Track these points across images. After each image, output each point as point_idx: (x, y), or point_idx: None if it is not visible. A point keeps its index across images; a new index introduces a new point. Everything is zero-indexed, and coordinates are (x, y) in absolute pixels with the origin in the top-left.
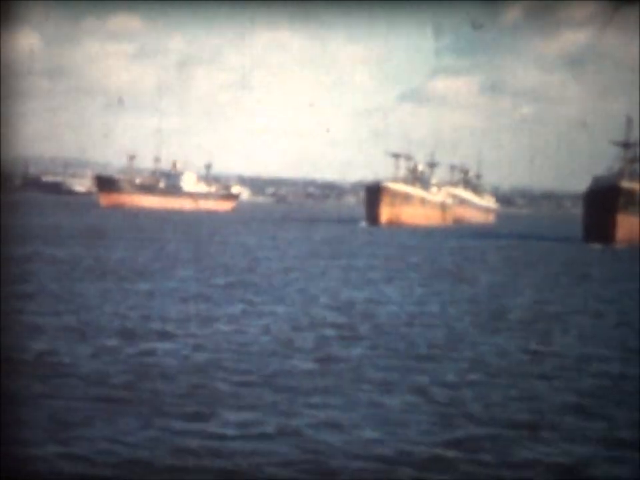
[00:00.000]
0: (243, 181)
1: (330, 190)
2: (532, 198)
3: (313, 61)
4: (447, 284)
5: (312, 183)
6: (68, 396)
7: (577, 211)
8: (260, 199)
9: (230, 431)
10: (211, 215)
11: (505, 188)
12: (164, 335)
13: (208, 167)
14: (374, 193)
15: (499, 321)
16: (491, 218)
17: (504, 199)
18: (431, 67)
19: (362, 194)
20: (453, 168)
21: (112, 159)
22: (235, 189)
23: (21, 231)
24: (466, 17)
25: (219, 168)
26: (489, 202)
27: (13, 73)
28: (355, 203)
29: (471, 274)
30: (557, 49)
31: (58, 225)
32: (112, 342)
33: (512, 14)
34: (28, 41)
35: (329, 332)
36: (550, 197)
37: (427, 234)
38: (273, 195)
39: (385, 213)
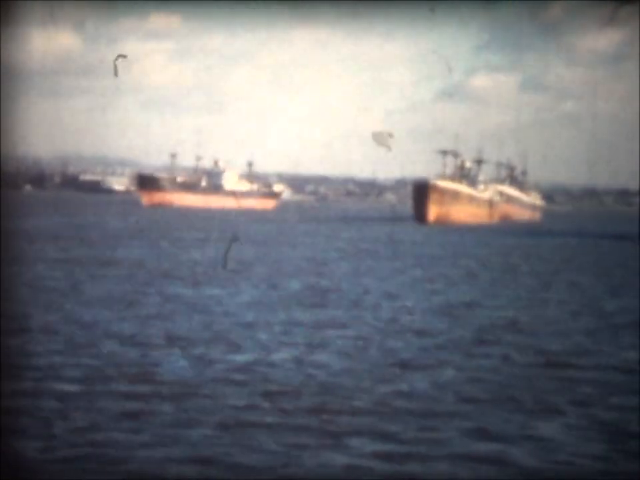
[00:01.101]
0: (281, 178)
1: (369, 188)
2: (572, 195)
3: (351, 59)
4: (543, 287)
5: (351, 180)
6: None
7: (619, 207)
8: (299, 197)
9: None
10: (254, 213)
11: (545, 185)
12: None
13: (250, 164)
14: (422, 191)
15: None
16: (537, 215)
17: (544, 195)
18: (471, 65)
19: (402, 191)
20: (499, 165)
21: (150, 158)
22: (277, 187)
23: (75, 232)
24: (506, 14)
25: (257, 166)
26: (534, 199)
27: (51, 73)
28: (394, 201)
29: (565, 277)
30: (598, 46)
31: (108, 225)
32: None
33: (553, 11)
34: (67, 40)
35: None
36: (590, 194)
37: (480, 232)
38: (312, 193)
39: (433, 211)
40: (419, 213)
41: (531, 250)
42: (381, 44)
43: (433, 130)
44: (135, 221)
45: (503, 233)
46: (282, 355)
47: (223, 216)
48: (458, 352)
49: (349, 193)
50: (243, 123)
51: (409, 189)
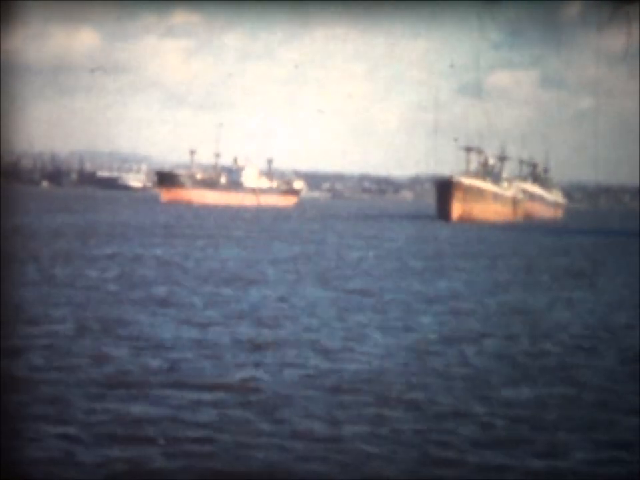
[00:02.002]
0: (298, 175)
1: (385, 185)
2: (588, 192)
3: (369, 57)
4: (604, 289)
5: (367, 177)
6: None
7: (636, 205)
8: (316, 194)
9: None
10: (275, 210)
11: (562, 182)
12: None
13: (269, 162)
14: (445, 188)
15: None
16: (558, 213)
17: (563, 193)
18: (490, 62)
19: (417, 189)
20: (521, 162)
21: (167, 155)
22: (297, 185)
23: (98, 229)
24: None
25: (275, 163)
26: (557, 197)
27: (70, 70)
28: (410, 198)
29: (624, 275)
30: (616, 43)
31: (132, 222)
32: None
33: (571, 9)
34: (87, 38)
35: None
36: (608, 191)
37: (511, 230)
38: (329, 190)
39: (457, 208)
40: (443, 211)
41: (583, 249)
42: (399, 41)
43: (450, 127)
44: (157, 218)
45: (535, 231)
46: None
47: (247, 213)
48: None
49: (365, 190)
50: (260, 120)
51: (425, 186)
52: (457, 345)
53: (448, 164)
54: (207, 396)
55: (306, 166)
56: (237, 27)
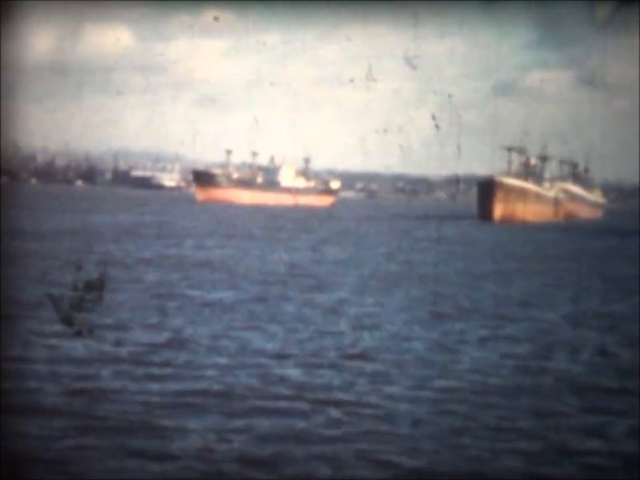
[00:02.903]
0: (331, 175)
1: (419, 185)
2: (623, 192)
3: (405, 55)
4: None
5: (401, 177)
6: None
7: None
8: (350, 194)
9: None
10: (313, 210)
11: (598, 182)
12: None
13: (306, 161)
14: (487, 188)
15: None
16: (599, 213)
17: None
18: (525, 61)
19: (452, 189)
20: (562, 162)
21: (200, 154)
22: (334, 184)
23: (152, 230)
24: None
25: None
26: (597, 197)
27: (104, 69)
28: (444, 198)
29: None
30: None
31: (178, 222)
32: None
33: (607, 9)
34: (122, 37)
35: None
36: None
37: (558, 231)
38: (362, 189)
39: (499, 209)
40: (484, 211)
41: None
42: (434, 40)
43: (486, 126)
44: (204, 218)
45: (583, 232)
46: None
47: (285, 213)
48: None
49: (399, 190)
50: (296, 119)
51: (460, 186)
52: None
53: (483, 164)
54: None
55: (339, 165)
56: (273, 26)
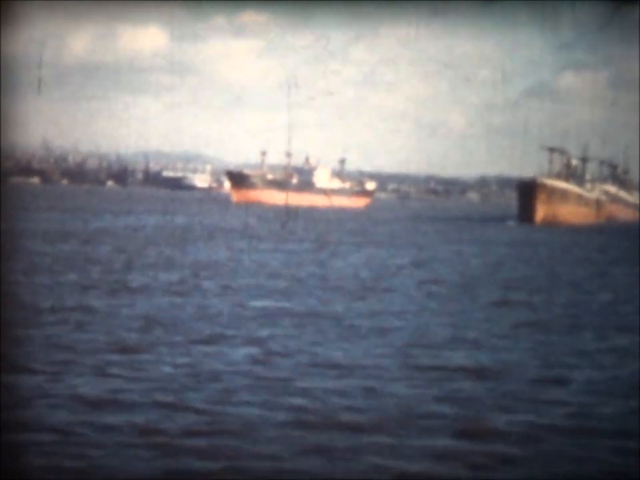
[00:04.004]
0: (363, 176)
1: (451, 186)
2: None
3: (438, 58)
4: None
5: (433, 178)
6: None
7: None
8: (382, 195)
9: None
10: (349, 212)
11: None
12: None
13: (342, 162)
14: (528, 190)
15: None
16: (637, 215)
17: None
18: (557, 62)
19: (484, 190)
20: (602, 163)
21: (233, 155)
22: (370, 185)
23: (195, 231)
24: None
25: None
26: (635, 198)
27: (137, 70)
28: (477, 199)
29: None
30: None
31: (224, 225)
32: None
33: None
34: (156, 38)
35: None
36: None
37: (607, 234)
38: (395, 190)
39: (541, 211)
40: (525, 213)
41: None
42: (466, 42)
43: (518, 128)
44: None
45: (629, 234)
46: None
47: (325, 215)
48: None
49: (431, 191)
50: (329, 120)
51: (492, 187)
52: None
53: (514, 165)
54: None
55: (371, 166)
56: (307, 27)
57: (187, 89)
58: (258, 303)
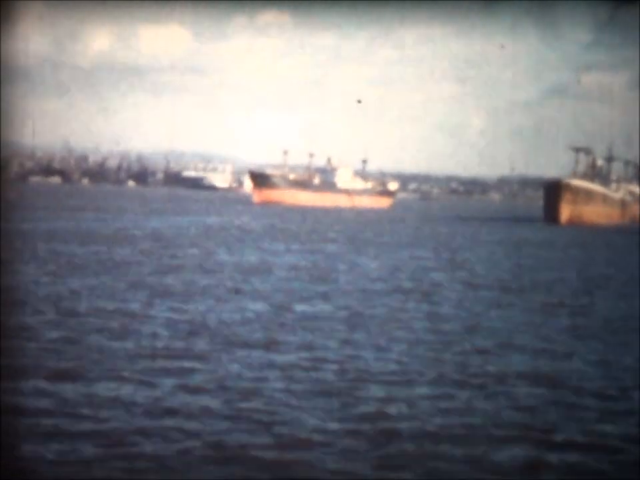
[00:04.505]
0: (384, 176)
1: (472, 186)
2: None
3: (459, 57)
4: None
5: (454, 178)
6: None
7: None
8: (403, 195)
9: None
10: (372, 212)
11: None
12: None
13: (364, 162)
14: (554, 190)
15: None
16: None
17: None
18: (579, 63)
19: (505, 190)
20: (627, 163)
21: (252, 155)
22: (392, 186)
23: (227, 234)
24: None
25: (359, 163)
26: None
27: (159, 70)
28: (499, 199)
29: None
30: None
31: (254, 227)
32: None
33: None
34: (178, 38)
35: None
36: None
37: (633, 235)
38: (416, 191)
39: (566, 211)
40: (551, 213)
41: None
42: (488, 42)
43: (540, 128)
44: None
45: None
46: None
47: (348, 215)
48: None
49: (452, 191)
50: (351, 120)
51: (514, 187)
52: None
53: (536, 165)
54: None
55: (391, 166)
56: (328, 27)
57: (207, 89)
58: (302, 307)
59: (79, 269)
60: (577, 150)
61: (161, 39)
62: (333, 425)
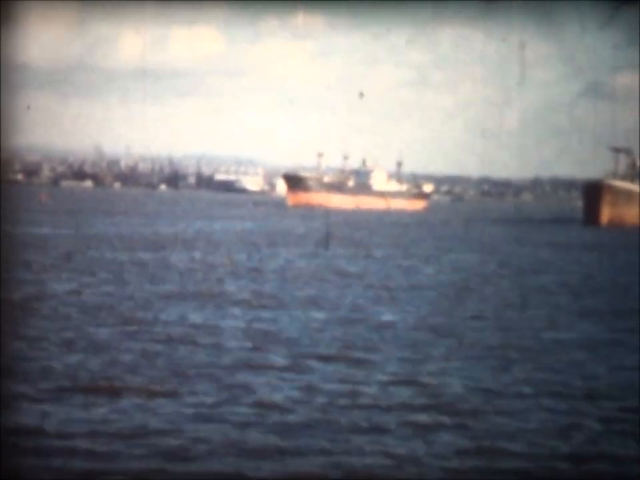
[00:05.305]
0: (416, 178)
1: (504, 187)
2: None
3: (493, 59)
4: None
5: (486, 180)
6: None
7: None
8: (435, 197)
9: None
10: (408, 215)
11: None
12: None
13: (399, 164)
14: (594, 191)
15: None
16: None
17: None
18: (613, 63)
19: (538, 191)
20: None
21: (285, 158)
22: (427, 188)
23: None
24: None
25: (392, 165)
26: None
27: (192, 73)
28: (531, 201)
29: None
30: None
31: (298, 230)
32: None
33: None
34: (211, 41)
35: None
36: None
37: None
38: (448, 192)
39: (607, 212)
40: (590, 215)
41: None
42: (521, 43)
43: (573, 128)
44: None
45: None
46: None
47: (388, 218)
48: None
49: (485, 193)
50: (384, 122)
51: (546, 189)
52: None
53: (569, 166)
54: None
55: (423, 168)
56: (361, 29)
57: (240, 91)
58: (363, 315)
59: (143, 275)
60: (617, 150)
61: (194, 42)
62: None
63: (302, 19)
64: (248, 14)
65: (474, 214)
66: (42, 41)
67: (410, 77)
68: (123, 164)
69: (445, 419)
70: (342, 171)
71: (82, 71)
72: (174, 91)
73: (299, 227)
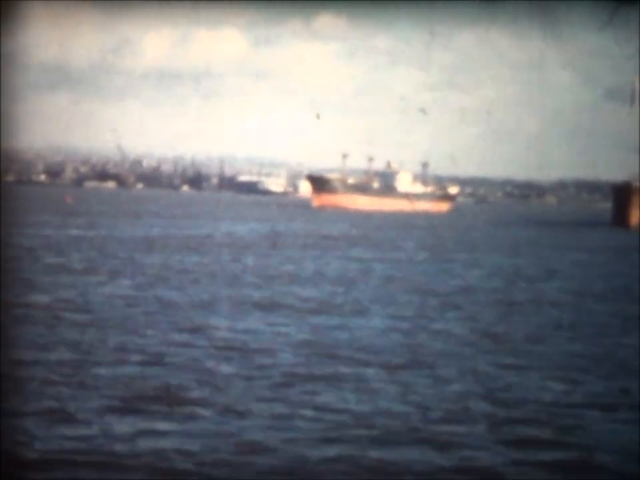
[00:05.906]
0: (440, 180)
1: (528, 189)
2: None
3: (515, 60)
4: None
5: (509, 182)
6: None
7: None
8: (459, 199)
9: None
10: (432, 216)
11: None
12: None
13: (424, 166)
14: (623, 193)
15: None
16: None
17: None
18: (636, 65)
19: (561, 193)
20: None
21: (307, 159)
22: (452, 189)
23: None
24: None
25: (415, 166)
26: None
27: (214, 75)
28: (555, 203)
29: None
30: None
31: (334, 233)
32: None
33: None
34: (235, 42)
35: None
36: None
37: None
38: (471, 194)
39: (636, 214)
40: (620, 217)
41: None
42: (544, 45)
43: (596, 131)
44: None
45: None
46: None
47: (415, 220)
48: None
49: (508, 195)
50: (406, 124)
51: (570, 191)
52: None
53: (592, 168)
54: None
55: (448, 169)
56: (384, 31)
57: (262, 93)
58: (411, 325)
59: (182, 279)
60: None
61: (217, 43)
62: None
63: (325, 21)
64: (271, 15)
65: (501, 216)
66: (67, 43)
67: (433, 79)
68: (145, 165)
69: None
70: (366, 173)
71: (106, 73)
72: (196, 92)
73: (331, 229)
